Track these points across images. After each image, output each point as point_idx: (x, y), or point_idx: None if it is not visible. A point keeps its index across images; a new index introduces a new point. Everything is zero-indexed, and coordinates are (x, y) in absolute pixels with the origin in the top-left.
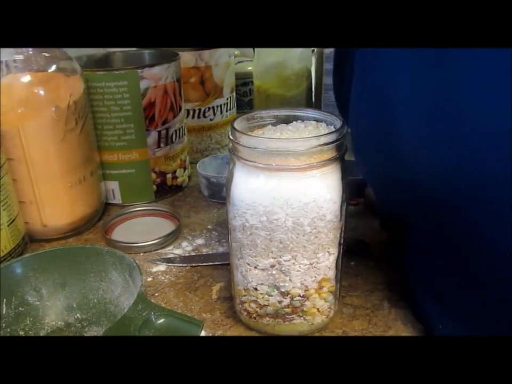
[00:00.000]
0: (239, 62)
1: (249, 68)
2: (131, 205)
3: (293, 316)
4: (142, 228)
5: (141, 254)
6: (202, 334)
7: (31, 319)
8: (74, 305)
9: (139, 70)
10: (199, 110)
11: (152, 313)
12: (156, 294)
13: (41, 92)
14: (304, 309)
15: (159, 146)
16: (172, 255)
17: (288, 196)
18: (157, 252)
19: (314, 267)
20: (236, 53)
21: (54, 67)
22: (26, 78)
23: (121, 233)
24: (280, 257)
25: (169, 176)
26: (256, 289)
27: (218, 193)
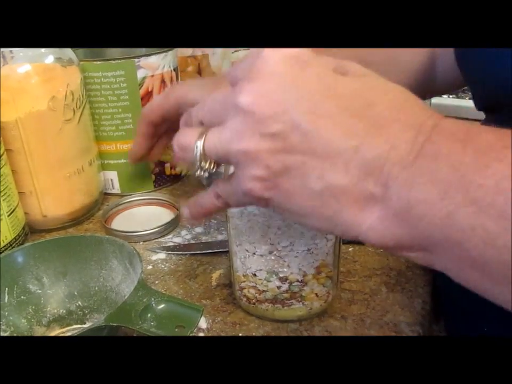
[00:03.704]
0: (236, 51)
1: None
2: (130, 195)
3: (291, 301)
4: (141, 217)
5: (141, 243)
6: (202, 320)
7: (33, 307)
8: (76, 293)
9: (136, 60)
10: None
11: (153, 299)
12: (156, 282)
13: (38, 83)
14: (303, 294)
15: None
16: (171, 244)
17: None
18: (157, 240)
19: (312, 253)
20: None
21: (50, 58)
22: (23, 69)
23: (120, 222)
24: (278, 244)
25: (167, 165)
26: (255, 275)
27: None
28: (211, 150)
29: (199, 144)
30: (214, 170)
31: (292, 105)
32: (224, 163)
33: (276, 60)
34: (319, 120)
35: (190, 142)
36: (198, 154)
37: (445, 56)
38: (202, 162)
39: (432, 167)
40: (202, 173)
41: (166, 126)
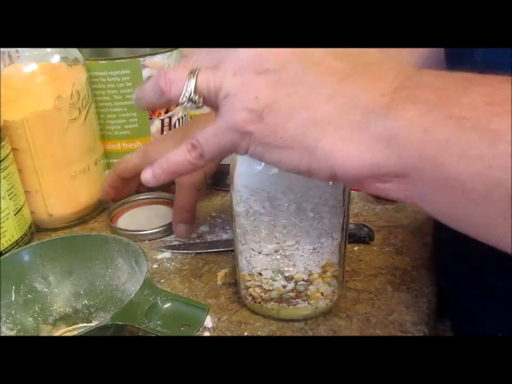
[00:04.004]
0: None
1: None
2: (135, 194)
3: (297, 300)
4: (146, 216)
5: (146, 241)
6: (208, 318)
7: (40, 305)
8: (82, 292)
9: (141, 59)
10: None
11: (159, 298)
12: (162, 281)
13: (44, 82)
14: (308, 293)
15: (162, 134)
16: (176, 243)
17: (291, 181)
18: (162, 239)
19: (318, 252)
20: None
21: (56, 57)
22: (29, 68)
23: (126, 221)
24: (284, 242)
25: None
26: (260, 274)
27: (222, 181)
28: (203, 85)
29: (192, 79)
30: (201, 105)
31: (284, 51)
32: (213, 101)
33: None
34: (307, 61)
35: (182, 76)
36: (191, 87)
37: (423, 64)
38: (192, 95)
39: (412, 92)
40: (189, 106)
41: (137, 179)
